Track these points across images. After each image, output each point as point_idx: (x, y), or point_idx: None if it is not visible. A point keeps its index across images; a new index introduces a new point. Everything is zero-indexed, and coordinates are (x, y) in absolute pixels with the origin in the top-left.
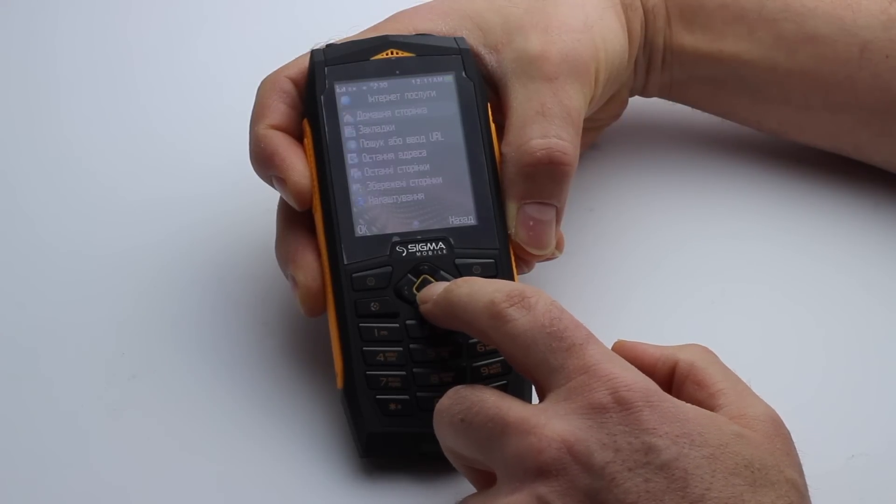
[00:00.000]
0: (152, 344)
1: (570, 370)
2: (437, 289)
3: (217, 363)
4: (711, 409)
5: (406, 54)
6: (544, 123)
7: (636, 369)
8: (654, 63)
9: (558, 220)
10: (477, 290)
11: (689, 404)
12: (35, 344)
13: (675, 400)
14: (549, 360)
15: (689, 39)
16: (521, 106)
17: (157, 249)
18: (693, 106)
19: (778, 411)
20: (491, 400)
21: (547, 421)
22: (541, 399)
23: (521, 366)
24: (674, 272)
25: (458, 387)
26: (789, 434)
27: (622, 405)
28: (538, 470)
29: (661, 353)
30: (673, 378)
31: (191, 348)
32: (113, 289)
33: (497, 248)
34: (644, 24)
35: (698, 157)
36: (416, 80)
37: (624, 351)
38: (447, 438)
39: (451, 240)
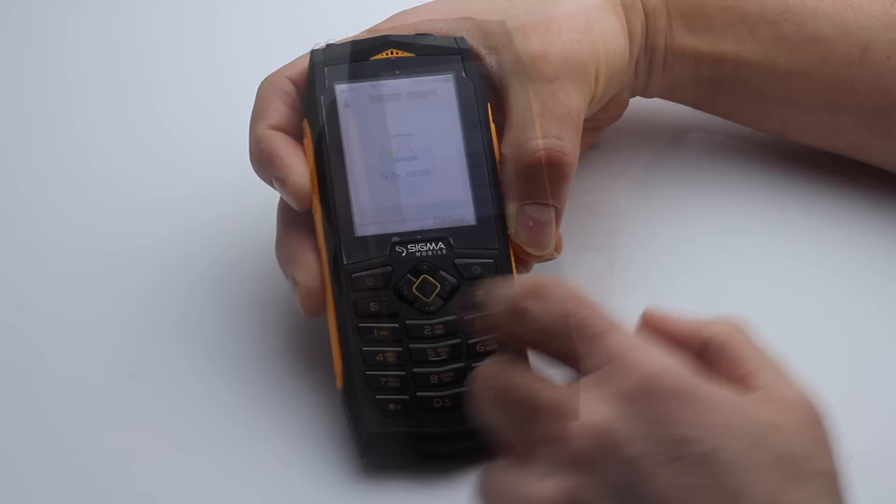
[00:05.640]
0: (152, 344)
1: (596, 359)
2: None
3: (217, 363)
4: (744, 390)
5: (406, 54)
6: (544, 124)
7: (663, 353)
8: (654, 64)
9: (558, 221)
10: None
11: (721, 391)
12: (34, 343)
13: (707, 386)
14: (574, 349)
15: (690, 40)
16: (521, 106)
17: (156, 249)
18: (694, 107)
19: None
20: (524, 379)
21: (578, 409)
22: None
23: (549, 353)
24: (673, 272)
25: (494, 360)
26: (825, 418)
27: (652, 396)
28: (570, 461)
29: (692, 327)
30: (704, 354)
31: (191, 348)
32: (113, 288)
33: (496, 247)
34: (645, 26)
35: (699, 157)
36: (416, 81)
37: (653, 322)
38: (484, 412)
39: (451, 240)
